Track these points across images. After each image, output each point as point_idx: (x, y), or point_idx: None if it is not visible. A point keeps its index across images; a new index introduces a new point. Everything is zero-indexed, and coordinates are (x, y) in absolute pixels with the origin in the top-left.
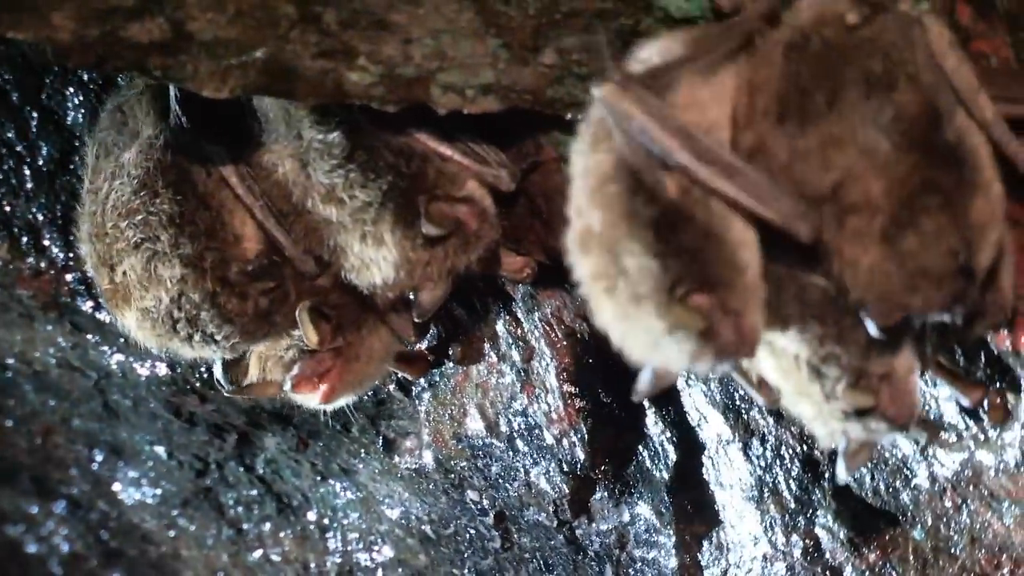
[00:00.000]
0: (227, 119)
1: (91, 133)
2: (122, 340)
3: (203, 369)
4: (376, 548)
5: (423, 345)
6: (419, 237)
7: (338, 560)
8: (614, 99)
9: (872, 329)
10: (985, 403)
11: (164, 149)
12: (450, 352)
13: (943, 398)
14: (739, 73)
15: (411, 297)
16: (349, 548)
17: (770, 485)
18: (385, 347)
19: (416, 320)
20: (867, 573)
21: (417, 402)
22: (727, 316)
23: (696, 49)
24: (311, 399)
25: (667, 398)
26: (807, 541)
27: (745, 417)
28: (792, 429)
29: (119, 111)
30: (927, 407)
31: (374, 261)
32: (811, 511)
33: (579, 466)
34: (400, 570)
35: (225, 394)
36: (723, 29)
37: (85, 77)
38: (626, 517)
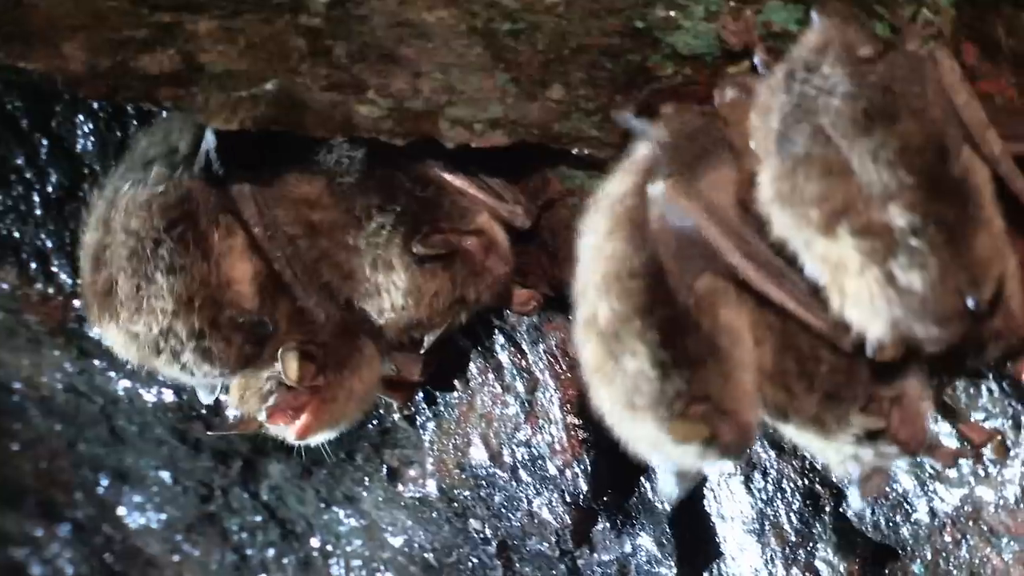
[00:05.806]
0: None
1: (149, 128)
2: (129, 366)
3: None
4: (379, 575)
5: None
6: (426, 263)
7: None
8: (675, 196)
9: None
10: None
11: (180, 176)
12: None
13: (944, 434)
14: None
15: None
16: (352, 575)
17: (771, 518)
18: (367, 387)
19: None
20: None
21: (421, 431)
22: (724, 416)
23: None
24: (286, 432)
25: None
26: (807, 574)
27: (747, 450)
28: (794, 463)
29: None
30: None
31: (383, 287)
32: (812, 544)
33: (582, 497)
34: None
35: (207, 435)
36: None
37: (95, 105)
38: (628, 548)
